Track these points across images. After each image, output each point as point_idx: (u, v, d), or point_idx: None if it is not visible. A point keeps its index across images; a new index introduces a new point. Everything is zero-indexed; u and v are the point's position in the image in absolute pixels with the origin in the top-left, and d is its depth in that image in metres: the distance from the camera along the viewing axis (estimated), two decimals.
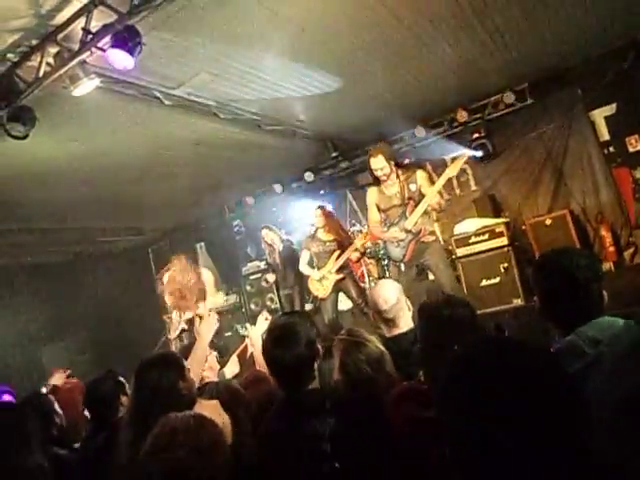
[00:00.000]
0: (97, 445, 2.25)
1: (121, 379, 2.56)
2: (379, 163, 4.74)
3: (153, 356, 2.24)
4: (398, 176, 4.81)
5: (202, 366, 2.59)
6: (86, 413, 2.60)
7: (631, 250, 6.39)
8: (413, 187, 4.73)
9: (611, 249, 6.32)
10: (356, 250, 5.94)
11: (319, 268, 6.01)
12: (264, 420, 2.07)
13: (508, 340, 0.92)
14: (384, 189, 4.88)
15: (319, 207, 6.25)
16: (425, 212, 4.72)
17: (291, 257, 6.75)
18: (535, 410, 0.76)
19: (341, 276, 5.89)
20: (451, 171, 4.80)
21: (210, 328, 2.78)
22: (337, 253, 5.91)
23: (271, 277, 7.09)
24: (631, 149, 6.64)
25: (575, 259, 1.65)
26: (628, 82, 6.34)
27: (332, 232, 6.03)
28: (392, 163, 4.79)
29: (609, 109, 6.71)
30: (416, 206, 4.70)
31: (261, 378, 2.46)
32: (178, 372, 2.06)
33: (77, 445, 2.64)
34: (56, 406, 2.71)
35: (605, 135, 6.82)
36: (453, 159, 4.91)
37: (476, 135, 7.40)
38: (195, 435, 1.37)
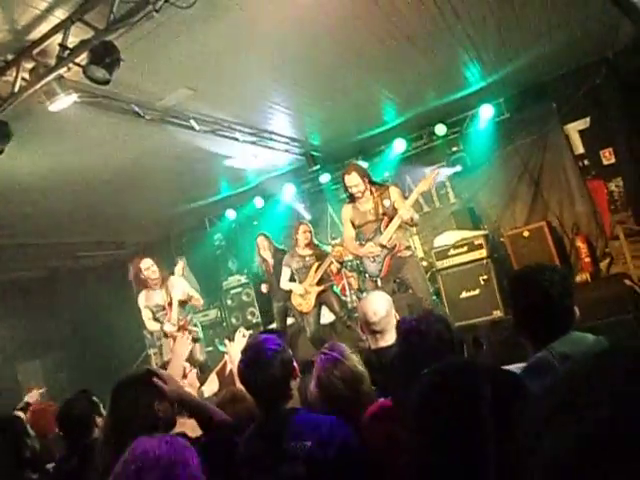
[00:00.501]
0: (71, 467, 2.20)
1: (95, 399, 2.51)
2: (353, 180, 4.78)
3: (130, 375, 2.20)
4: (372, 193, 4.84)
5: (176, 384, 2.56)
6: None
7: (607, 261, 6.51)
8: (387, 203, 4.77)
9: (587, 260, 6.43)
10: (332, 263, 5.97)
11: (301, 283, 6.03)
12: (242, 440, 2.06)
13: (471, 368, 0.93)
14: (358, 205, 4.91)
15: (302, 222, 6.27)
16: (400, 227, 4.76)
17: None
18: (495, 435, 0.77)
19: (322, 288, 5.92)
20: (422, 186, 4.82)
21: (184, 347, 2.77)
22: (316, 265, 5.96)
23: (265, 287, 7.01)
24: (605, 162, 6.80)
25: (549, 275, 1.68)
26: (601, 97, 6.52)
27: (310, 247, 6.09)
28: (366, 180, 4.83)
29: (583, 123, 6.88)
30: (390, 221, 4.74)
31: (238, 397, 2.43)
32: (155, 392, 2.02)
33: (50, 466, 2.58)
34: (28, 428, 2.64)
35: (580, 148, 6.98)
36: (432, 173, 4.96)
37: (454, 148, 7.51)
38: (166, 458, 1.34)
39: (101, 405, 2.48)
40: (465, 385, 0.85)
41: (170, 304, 5.49)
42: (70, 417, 2.44)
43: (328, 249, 6.23)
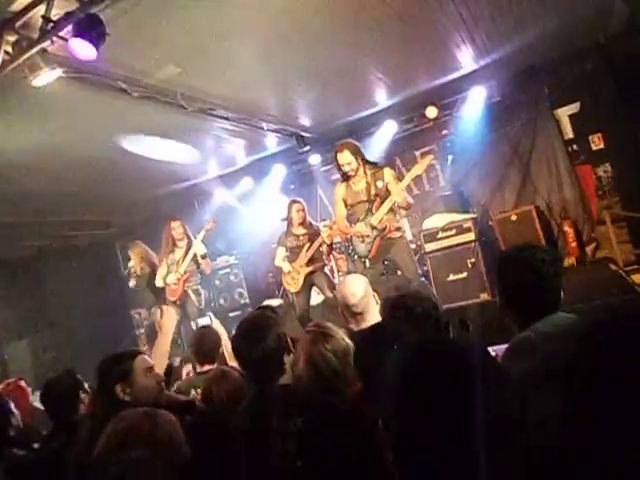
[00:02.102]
0: (58, 444, 2.20)
1: (79, 377, 2.51)
2: (345, 158, 4.77)
3: (116, 353, 2.19)
4: (365, 172, 4.84)
5: (165, 358, 2.57)
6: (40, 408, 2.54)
7: (593, 245, 6.58)
8: (380, 184, 4.76)
9: (574, 244, 6.49)
10: (324, 243, 5.94)
11: (291, 262, 5.98)
12: (234, 415, 2.07)
13: (443, 341, 0.94)
14: (352, 185, 4.90)
15: (295, 201, 6.11)
16: (391, 209, 4.76)
17: None
18: (463, 405, 0.77)
19: (311, 269, 5.87)
20: (417, 169, 4.80)
21: (171, 321, 2.78)
22: (307, 246, 5.90)
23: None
24: (594, 147, 6.83)
25: (539, 255, 1.68)
26: (591, 82, 6.52)
27: (305, 226, 6.02)
28: (359, 159, 4.82)
29: (574, 107, 6.88)
30: (382, 203, 4.74)
31: (227, 374, 2.44)
32: (118, 376, 2.01)
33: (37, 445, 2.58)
34: (12, 406, 2.63)
35: (569, 133, 6.99)
36: (423, 155, 4.94)
37: (445, 131, 7.49)
38: (148, 432, 1.34)
39: (86, 383, 2.48)
40: (447, 354, 0.85)
41: (184, 258, 6.18)
42: (55, 394, 2.44)
43: (323, 228, 6.16)
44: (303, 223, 6.01)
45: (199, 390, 3.00)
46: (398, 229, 4.91)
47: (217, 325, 3.39)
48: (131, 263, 7.00)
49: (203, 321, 3.66)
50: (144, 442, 1.31)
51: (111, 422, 1.38)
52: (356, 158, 4.78)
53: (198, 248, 6.19)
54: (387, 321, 2.03)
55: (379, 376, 0.89)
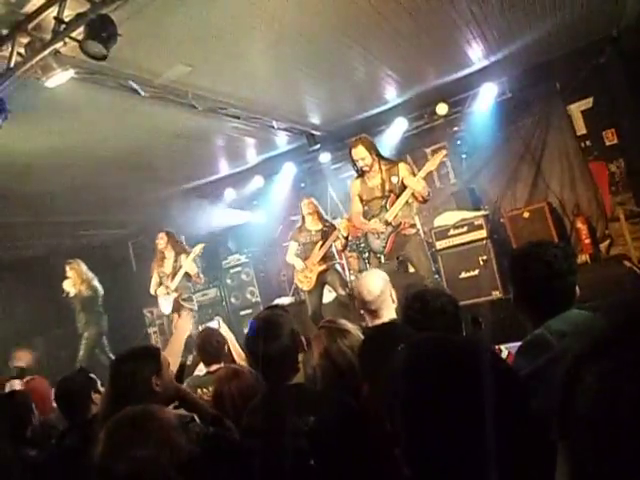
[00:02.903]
0: (71, 443, 2.22)
1: (92, 376, 2.53)
2: (360, 153, 4.77)
3: (130, 349, 2.21)
4: (380, 168, 4.82)
5: (178, 358, 2.59)
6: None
7: (607, 242, 6.51)
8: (395, 180, 4.74)
9: (587, 241, 6.42)
10: (338, 239, 5.86)
11: (305, 260, 5.95)
12: (246, 413, 2.07)
13: (447, 339, 0.93)
14: (367, 180, 4.89)
15: (307, 198, 6.18)
16: (407, 204, 4.75)
17: None
18: (466, 404, 0.77)
19: (324, 267, 5.83)
20: (431, 165, 4.79)
21: (187, 324, 2.81)
22: (320, 243, 5.85)
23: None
24: (607, 142, 6.75)
25: (552, 250, 1.67)
26: (604, 77, 6.43)
27: (319, 221, 6.00)
28: (374, 154, 4.83)
29: (586, 103, 6.80)
30: (397, 198, 4.74)
31: (238, 373, 2.45)
32: (153, 367, 2.03)
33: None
34: (33, 406, 2.66)
35: (582, 129, 6.91)
36: (434, 152, 4.90)
37: (456, 128, 7.45)
38: (142, 434, 1.34)
39: (98, 382, 2.49)
40: (450, 353, 0.84)
41: (174, 274, 6.38)
42: (67, 393, 2.46)
43: (337, 223, 6.08)
44: (316, 219, 6.00)
45: (204, 390, 3.02)
46: (413, 226, 4.89)
47: (225, 330, 3.39)
48: (67, 282, 6.93)
49: (212, 324, 3.67)
50: (137, 446, 1.31)
51: (113, 420, 1.39)
52: (370, 153, 4.78)
53: (189, 268, 6.41)
54: (402, 314, 2.03)
55: (384, 374, 0.89)
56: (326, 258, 5.88)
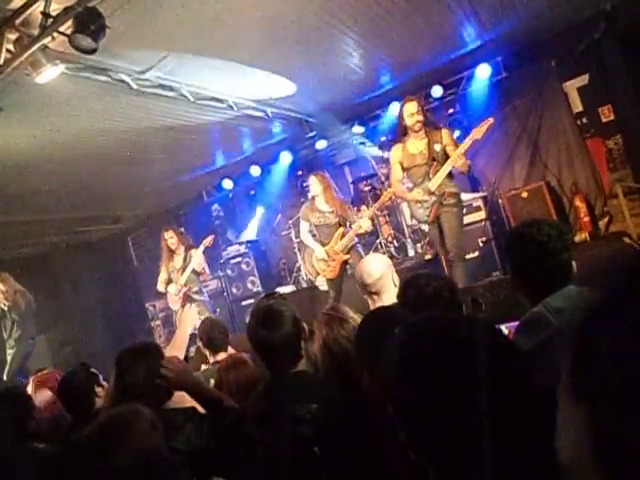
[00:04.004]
0: (77, 437, 2.23)
1: (94, 370, 2.55)
2: (412, 108, 4.70)
3: (133, 344, 2.23)
4: (426, 132, 4.75)
5: (182, 351, 2.60)
6: None
7: (606, 219, 6.50)
8: (437, 147, 4.67)
9: (586, 219, 6.41)
10: (360, 228, 5.48)
11: (323, 244, 5.56)
12: (249, 402, 2.08)
13: (446, 317, 0.92)
14: (408, 146, 4.80)
15: (317, 174, 5.76)
16: (450, 174, 4.68)
17: None
18: (473, 381, 0.76)
19: (348, 256, 5.48)
20: (476, 134, 4.73)
21: (191, 319, 2.82)
22: (341, 231, 5.48)
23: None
24: (604, 119, 6.72)
25: (545, 229, 1.67)
26: (599, 52, 6.39)
27: (331, 202, 5.54)
28: (423, 114, 4.76)
29: (582, 80, 6.76)
30: (440, 167, 4.65)
31: (239, 363, 2.46)
32: (157, 360, 2.05)
33: None
34: (33, 400, 2.68)
35: (578, 106, 6.88)
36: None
37: (451, 110, 7.41)
38: (126, 436, 1.37)
39: (100, 376, 2.52)
40: (448, 331, 0.84)
41: (184, 269, 6.39)
42: (70, 389, 2.48)
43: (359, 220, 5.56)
44: (326, 196, 5.54)
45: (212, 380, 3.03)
46: (454, 195, 4.78)
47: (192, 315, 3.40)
48: None
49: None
50: (122, 447, 1.33)
51: (89, 426, 1.42)
52: (421, 113, 4.71)
53: (197, 263, 6.39)
54: (398, 298, 2.03)
55: (381, 359, 0.89)
56: (349, 245, 5.54)
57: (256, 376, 2.33)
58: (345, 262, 5.54)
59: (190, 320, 2.84)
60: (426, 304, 1.80)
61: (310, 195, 5.80)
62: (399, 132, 4.91)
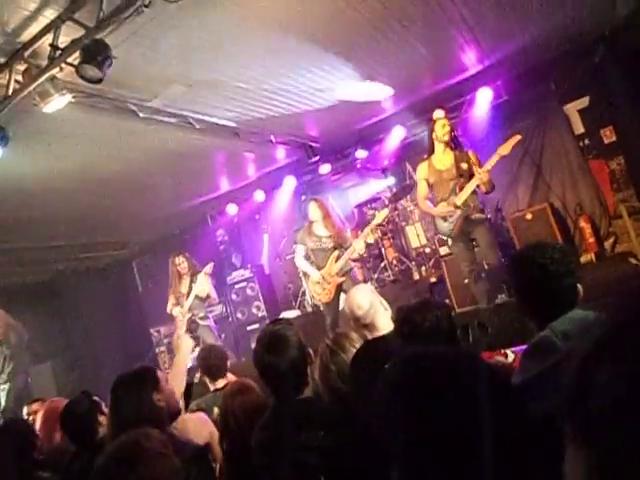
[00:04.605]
0: (80, 466, 2.21)
1: (96, 398, 2.52)
2: (443, 119, 4.96)
3: (127, 372, 2.23)
4: (453, 150, 4.95)
5: (183, 378, 2.59)
6: None
7: (611, 240, 6.48)
8: (465, 166, 4.83)
9: (591, 240, 6.39)
10: (357, 255, 5.70)
11: (318, 268, 5.58)
12: (256, 429, 2.06)
13: (433, 355, 0.92)
14: (435, 163, 4.97)
15: (315, 200, 5.78)
16: (474, 191, 4.83)
17: None
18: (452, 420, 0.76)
19: (343, 279, 5.50)
20: (503, 150, 4.84)
21: (186, 346, 2.82)
22: (336, 254, 5.51)
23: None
24: (606, 140, 6.75)
25: (549, 253, 1.66)
26: (599, 76, 6.46)
27: (330, 227, 5.56)
28: (452, 132, 5.01)
29: (582, 102, 6.82)
30: (466, 183, 4.80)
31: (244, 388, 2.44)
32: (152, 385, 2.05)
33: None
34: (36, 429, 2.66)
35: (580, 128, 6.92)
36: (506, 139, 4.96)
37: (454, 134, 7.45)
38: (130, 469, 1.37)
39: (103, 404, 2.49)
40: (434, 369, 0.83)
41: (188, 294, 6.43)
42: (72, 418, 2.44)
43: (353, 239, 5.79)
44: (326, 222, 5.57)
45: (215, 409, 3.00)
46: (481, 211, 4.97)
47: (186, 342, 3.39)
48: None
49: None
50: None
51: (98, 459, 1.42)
52: (450, 130, 4.94)
53: (200, 290, 6.40)
54: (396, 336, 2.01)
55: (373, 392, 0.88)
56: (345, 269, 5.56)
57: (262, 402, 2.30)
58: (340, 285, 5.54)
59: (185, 347, 2.83)
60: (424, 339, 1.79)
61: (308, 219, 5.80)
62: (428, 149, 5.11)
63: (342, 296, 5.75)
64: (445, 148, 4.94)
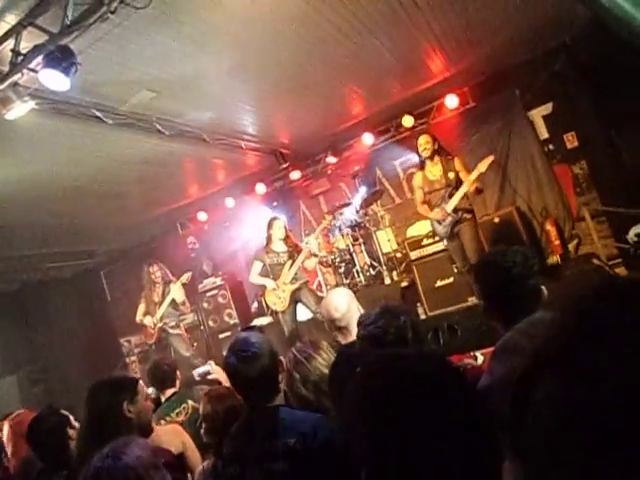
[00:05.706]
0: None
1: (64, 412, 2.43)
2: (425, 139, 5.41)
3: (102, 379, 2.18)
4: (440, 160, 5.42)
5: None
6: None
7: (575, 242, 6.66)
8: (451, 175, 5.33)
9: (557, 242, 6.55)
10: (310, 256, 5.97)
11: (275, 280, 5.91)
12: (227, 438, 2.04)
13: (399, 354, 0.93)
14: (427, 174, 5.46)
15: (275, 218, 6.14)
16: (463, 196, 5.29)
17: None
18: (426, 413, 0.77)
19: (296, 286, 5.84)
20: (481, 167, 5.28)
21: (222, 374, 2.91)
22: (289, 263, 5.87)
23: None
24: (569, 145, 6.94)
25: (510, 256, 1.71)
26: (561, 82, 6.63)
27: (289, 243, 5.99)
28: (436, 144, 5.43)
29: (546, 108, 6.99)
30: (455, 191, 5.28)
31: (224, 394, 2.42)
32: (127, 395, 2.01)
33: None
34: (4, 446, 2.56)
35: (544, 133, 7.09)
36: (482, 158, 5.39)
37: (436, 146, 7.54)
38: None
39: (71, 417, 2.41)
40: (402, 371, 0.85)
41: (161, 303, 6.45)
42: (40, 435, 2.33)
43: (309, 242, 6.26)
44: (284, 240, 5.98)
45: (167, 419, 2.98)
46: (469, 211, 5.41)
47: (218, 371, 3.34)
48: None
49: (203, 369, 3.58)
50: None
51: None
52: (434, 142, 5.39)
53: (177, 295, 6.45)
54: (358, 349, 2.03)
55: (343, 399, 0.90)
56: (296, 277, 5.88)
57: (239, 409, 2.29)
58: (295, 291, 5.86)
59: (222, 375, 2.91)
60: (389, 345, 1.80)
61: (269, 236, 6.01)
62: (419, 162, 5.70)
63: (300, 307, 6.09)
64: (432, 160, 5.43)
